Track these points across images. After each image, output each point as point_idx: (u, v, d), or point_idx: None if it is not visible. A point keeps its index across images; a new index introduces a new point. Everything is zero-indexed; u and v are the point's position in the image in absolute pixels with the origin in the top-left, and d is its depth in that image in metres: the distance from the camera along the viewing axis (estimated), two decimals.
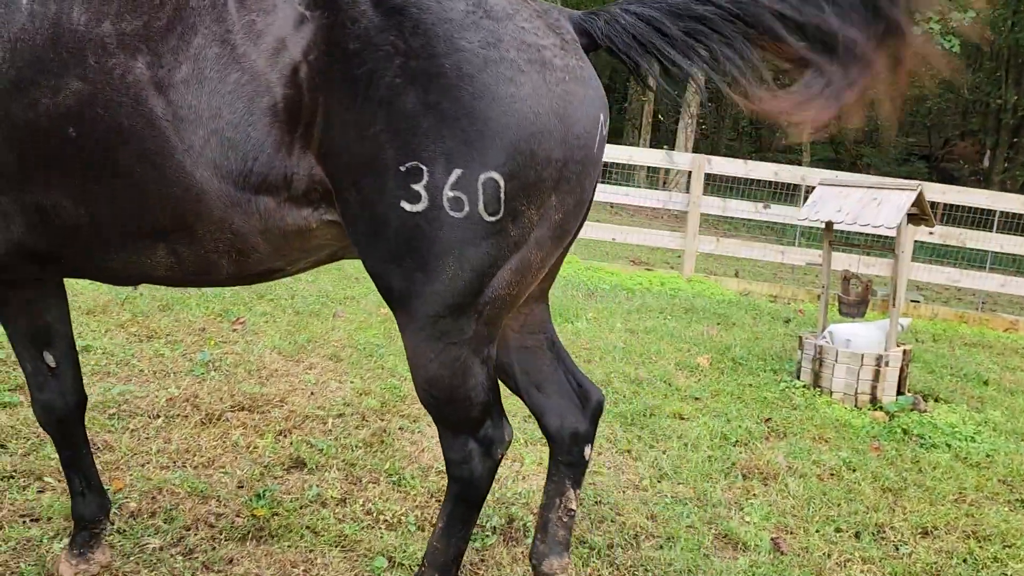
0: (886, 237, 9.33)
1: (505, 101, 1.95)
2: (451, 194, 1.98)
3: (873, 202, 5.80)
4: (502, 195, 2.00)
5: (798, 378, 6.09)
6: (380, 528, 3.34)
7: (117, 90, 2.07)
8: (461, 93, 1.94)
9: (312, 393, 4.78)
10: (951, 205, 12.47)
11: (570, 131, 2.04)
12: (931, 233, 9.52)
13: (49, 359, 2.70)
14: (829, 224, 6.25)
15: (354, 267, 7.83)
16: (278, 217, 2.18)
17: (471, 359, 2.17)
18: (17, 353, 2.69)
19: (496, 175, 1.98)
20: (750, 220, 15.66)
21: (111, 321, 5.46)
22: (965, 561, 3.58)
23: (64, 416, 2.74)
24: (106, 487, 3.20)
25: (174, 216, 2.15)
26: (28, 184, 2.18)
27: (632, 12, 2.22)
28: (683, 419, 5.05)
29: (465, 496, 2.35)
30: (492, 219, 2.01)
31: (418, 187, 1.98)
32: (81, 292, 5.97)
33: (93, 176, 2.14)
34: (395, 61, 1.97)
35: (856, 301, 6.28)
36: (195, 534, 3.16)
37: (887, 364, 5.71)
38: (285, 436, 4.17)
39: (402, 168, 1.98)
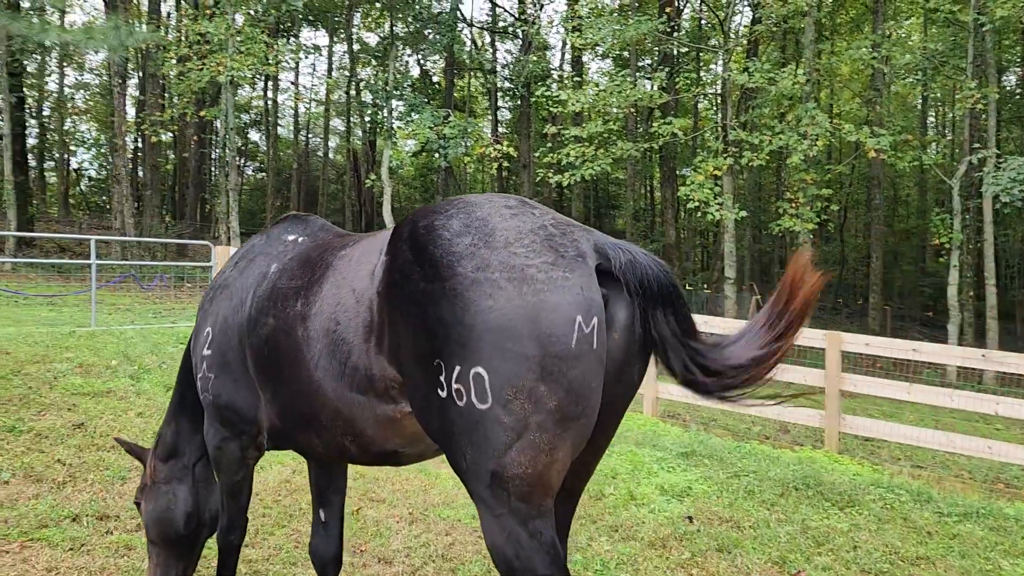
0: None
1: (484, 311, 2.45)
2: (456, 386, 2.48)
3: None
4: (487, 386, 2.43)
5: None
6: None
7: (285, 322, 3.15)
8: (455, 306, 2.49)
9: None
10: None
11: (541, 330, 2.42)
12: None
13: (322, 515, 3.91)
14: None
15: None
16: (371, 408, 2.92)
17: (518, 530, 2.51)
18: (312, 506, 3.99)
19: (481, 369, 2.43)
20: None
21: (672, 559, 5.44)
22: None
23: (323, 560, 3.91)
24: None
25: (311, 408, 3.11)
26: (263, 384, 3.33)
27: (654, 266, 2.63)
28: None
29: None
30: (484, 407, 2.44)
31: (442, 378, 2.51)
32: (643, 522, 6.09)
33: (280, 382, 3.20)
34: (420, 285, 2.60)
35: None
36: None
37: None
38: None
39: (434, 363, 2.53)
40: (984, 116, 19.27)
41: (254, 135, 45.73)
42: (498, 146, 20.99)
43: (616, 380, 2.64)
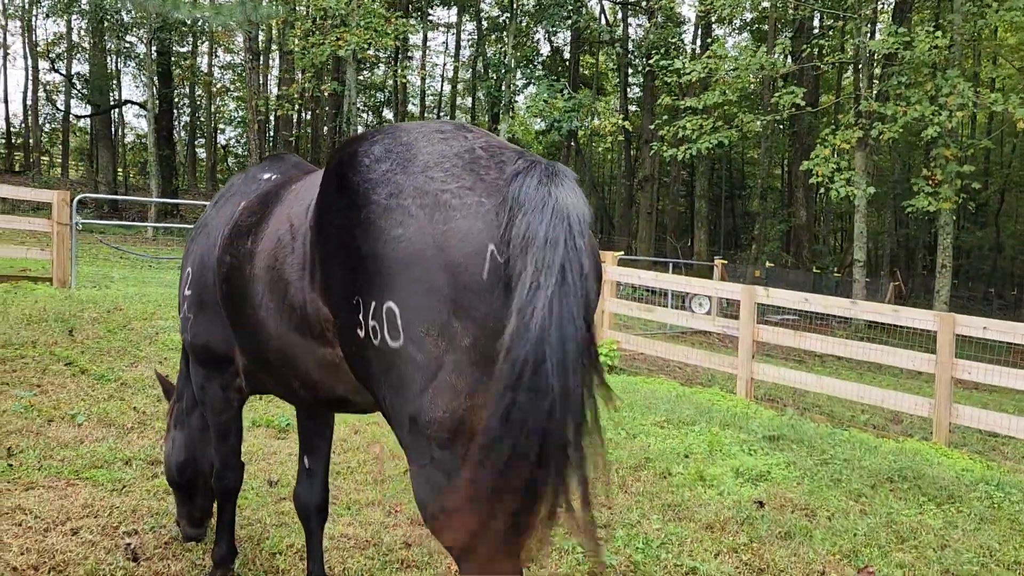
0: None
1: (394, 241, 2.27)
2: (372, 323, 2.32)
3: None
4: (399, 322, 2.25)
5: None
6: None
7: (236, 259, 3.11)
8: (369, 237, 2.32)
9: None
10: None
11: (450, 260, 2.21)
12: None
13: (306, 462, 3.78)
14: None
15: None
16: (312, 349, 2.77)
17: (443, 483, 2.30)
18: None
19: (393, 304, 2.27)
20: None
21: (725, 543, 5.21)
22: None
23: (307, 509, 3.77)
24: None
25: (260, 348, 3.06)
26: (232, 325, 3.25)
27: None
28: None
29: None
30: (396, 344, 2.26)
31: (360, 316, 2.36)
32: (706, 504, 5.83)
33: (235, 322, 3.21)
34: (341, 216, 2.44)
35: None
36: None
37: None
38: None
39: (353, 301, 2.38)
40: None
41: (388, 113, 46.87)
42: (613, 120, 20.54)
43: None
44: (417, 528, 4.88)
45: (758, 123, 18.36)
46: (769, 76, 19.20)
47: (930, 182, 17.47)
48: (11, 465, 5.01)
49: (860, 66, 18.77)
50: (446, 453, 2.30)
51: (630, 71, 38.69)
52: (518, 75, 23.45)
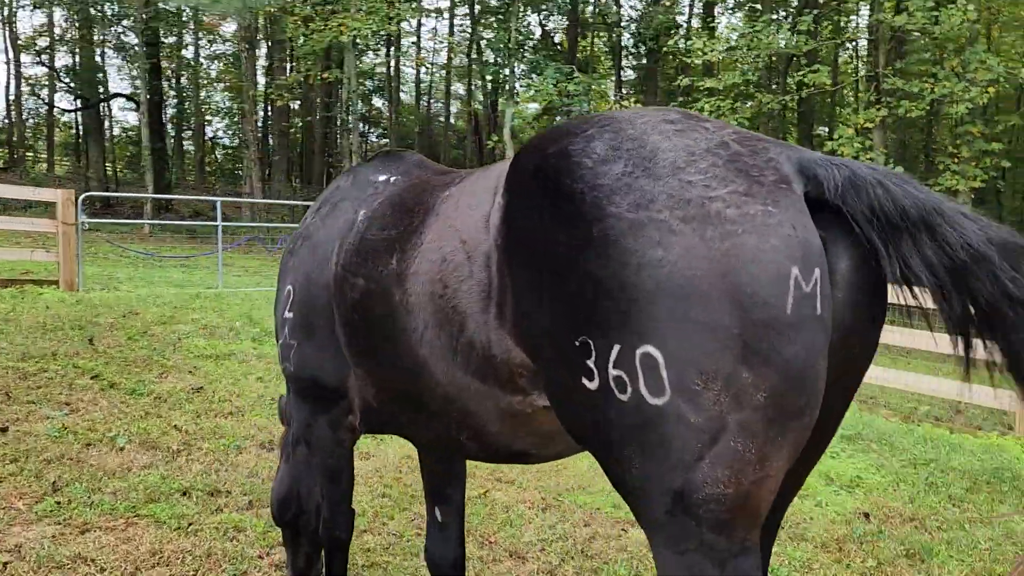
0: None
1: (653, 266, 1.75)
2: (615, 373, 1.82)
3: None
4: (664, 372, 1.74)
5: None
6: None
7: (378, 283, 2.54)
8: (610, 262, 1.81)
9: None
10: None
11: (740, 290, 1.71)
12: None
13: (437, 514, 3.31)
14: None
15: None
16: (491, 399, 2.28)
17: (711, 573, 1.81)
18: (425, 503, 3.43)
19: (653, 349, 1.75)
20: None
21: (854, 568, 4.71)
22: None
23: (440, 567, 3.32)
24: None
25: (414, 392, 2.50)
26: (354, 357, 2.76)
27: (894, 188, 1.83)
28: None
29: None
30: (659, 401, 1.75)
31: (591, 363, 1.86)
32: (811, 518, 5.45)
33: (372, 356, 2.65)
34: (555, 234, 1.93)
35: None
36: None
37: None
38: None
39: (576, 343, 1.88)
40: None
41: (377, 101, 46.05)
42: (624, 103, 19.98)
43: (841, 356, 1.86)
44: (518, 563, 4.37)
45: (776, 103, 17.89)
46: (787, 54, 18.68)
47: (954, 160, 17.04)
48: (59, 503, 4.45)
49: (878, 43, 18.29)
50: (721, 538, 1.79)
51: (623, 54, 38.12)
52: (519, 61, 22.79)
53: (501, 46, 24.13)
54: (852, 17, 27.55)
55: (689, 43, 17.24)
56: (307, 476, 3.48)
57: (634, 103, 20.49)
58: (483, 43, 31.79)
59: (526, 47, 24.30)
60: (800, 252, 1.72)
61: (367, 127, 45.12)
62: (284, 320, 3.06)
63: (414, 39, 42.56)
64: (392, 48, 36.96)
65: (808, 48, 17.38)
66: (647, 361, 1.76)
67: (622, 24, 33.09)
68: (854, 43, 23.88)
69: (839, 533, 5.15)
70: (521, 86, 24.58)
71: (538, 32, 37.48)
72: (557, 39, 38.51)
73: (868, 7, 26.27)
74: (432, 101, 48.81)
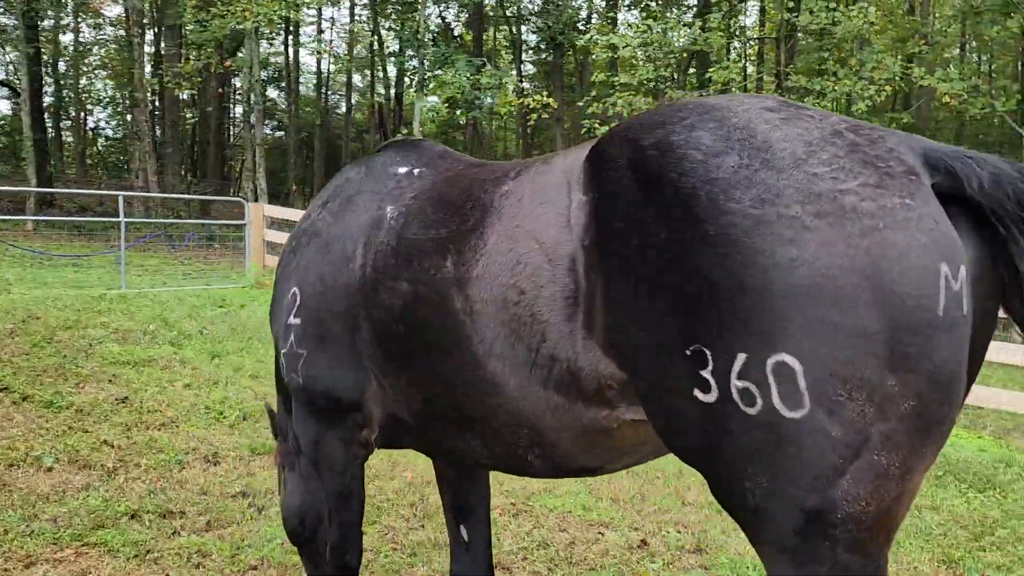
0: None
1: (786, 267, 1.62)
2: (739, 385, 1.68)
3: None
4: (802, 383, 1.61)
5: None
6: None
7: (430, 288, 2.31)
8: (732, 263, 1.67)
9: None
10: None
11: (889, 290, 1.59)
12: None
13: (463, 533, 3.10)
14: None
15: None
16: (571, 415, 2.11)
17: None
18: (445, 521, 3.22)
19: (789, 358, 1.62)
20: None
21: None
22: None
23: None
24: None
25: (477, 408, 2.28)
26: (390, 369, 2.52)
27: None
28: None
29: None
30: (796, 414, 1.62)
31: (706, 374, 1.72)
32: None
33: (419, 368, 2.40)
34: (660, 234, 1.79)
35: None
36: None
37: None
38: None
39: (688, 352, 1.75)
40: None
41: (271, 92, 44.57)
42: (537, 96, 19.96)
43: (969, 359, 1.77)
44: (508, 575, 4.20)
45: (686, 99, 18.15)
46: (698, 51, 19.06)
47: None
48: None
49: (780, 41, 18.91)
50: (856, 558, 1.68)
51: (524, 48, 38.21)
52: (427, 52, 22.41)
53: (408, 37, 23.69)
54: (741, 17, 28.47)
55: (606, 38, 17.34)
56: (320, 490, 3.25)
57: (546, 96, 20.52)
58: (387, 34, 31.22)
59: (427, 39, 23.90)
60: (947, 248, 1.63)
61: (263, 118, 43.62)
62: (288, 327, 2.79)
63: (313, 27, 41.41)
64: (291, 37, 35.85)
65: (719, 45, 17.82)
66: (782, 371, 1.63)
67: (524, 17, 33.10)
68: (753, 41, 24.59)
69: None
70: (430, 78, 24.22)
71: (438, 23, 37.08)
72: (457, 31, 38.22)
73: (758, 7, 27.23)
74: (329, 93, 47.63)
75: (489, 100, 21.53)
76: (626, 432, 2.12)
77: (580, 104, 20.97)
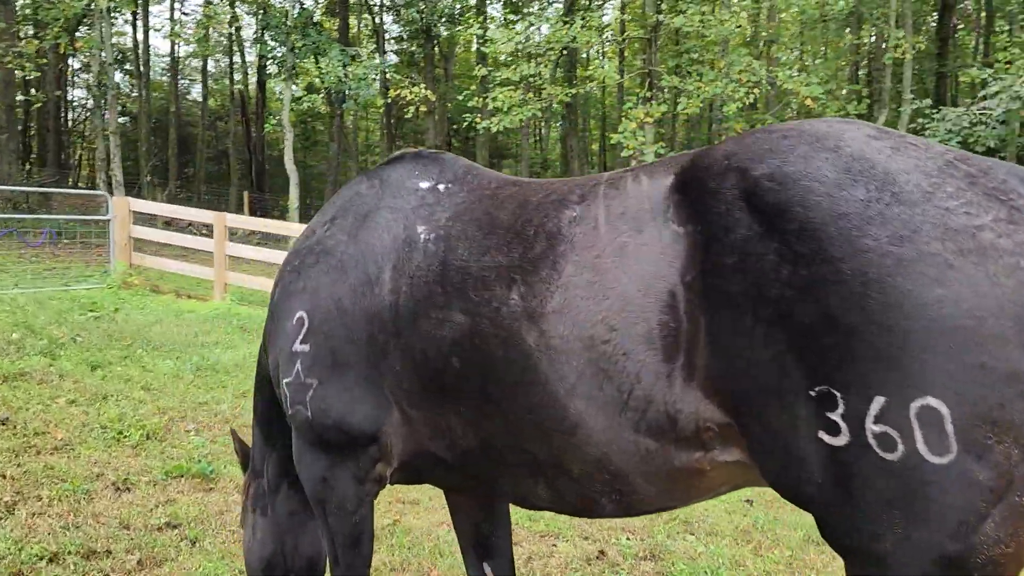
0: None
1: (932, 307, 1.58)
2: (876, 429, 1.61)
3: None
4: (950, 428, 1.56)
5: None
6: None
7: (493, 322, 2.14)
8: (870, 303, 1.62)
9: None
10: None
11: None
12: None
13: (488, 571, 2.91)
14: None
15: None
16: (661, 458, 1.99)
17: None
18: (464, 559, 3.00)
19: (935, 402, 1.57)
20: None
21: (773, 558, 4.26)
22: None
23: None
24: None
25: (549, 451, 2.13)
26: (429, 403, 2.33)
27: None
28: None
29: None
30: (942, 460, 1.57)
31: (835, 416, 1.66)
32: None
33: (475, 405, 2.21)
34: (782, 272, 1.72)
35: None
36: None
37: None
38: None
39: (812, 393, 1.68)
40: (898, 68, 19.57)
41: (117, 76, 41.65)
42: (415, 89, 19.58)
43: None
44: None
45: (565, 96, 18.44)
46: (582, 46, 19.27)
47: None
48: None
49: (652, 41, 19.43)
50: None
51: (387, 39, 37.57)
52: (297, 38, 21.48)
53: (276, 23, 22.68)
54: (603, 15, 29.12)
55: (486, 34, 17.25)
56: (292, 527, 2.98)
57: (423, 88, 20.17)
58: (245, 18, 29.85)
59: (295, 25, 22.97)
60: None
61: (105, 103, 40.75)
62: (294, 355, 2.52)
63: (162, 5, 39.02)
64: (139, 19, 33.62)
65: (598, 42, 18.16)
66: (927, 415, 1.58)
67: (394, 6, 32.51)
68: (616, 41, 25.17)
69: (743, 524, 5.30)
70: (297, 67, 23.28)
71: (300, 10, 35.81)
72: (316, 19, 37.05)
73: (619, 5, 27.88)
74: (178, 79, 45.07)
75: (369, 92, 20.98)
76: (716, 474, 2.02)
77: (460, 97, 20.78)
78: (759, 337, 1.74)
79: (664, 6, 17.91)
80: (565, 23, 17.29)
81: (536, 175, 39.19)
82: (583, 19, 17.62)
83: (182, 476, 5.29)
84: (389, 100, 20.44)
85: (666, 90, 18.46)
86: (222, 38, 37.60)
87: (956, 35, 28.02)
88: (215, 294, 12.58)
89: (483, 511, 2.91)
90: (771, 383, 1.74)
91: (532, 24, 17.25)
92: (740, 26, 16.65)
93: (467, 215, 2.37)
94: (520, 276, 2.13)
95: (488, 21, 17.67)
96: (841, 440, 1.66)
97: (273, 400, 2.95)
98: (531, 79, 18.04)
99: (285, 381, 2.56)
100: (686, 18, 16.65)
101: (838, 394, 1.64)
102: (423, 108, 20.22)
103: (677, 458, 1.98)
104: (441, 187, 2.54)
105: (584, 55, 19.90)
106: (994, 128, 14.83)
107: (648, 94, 18.85)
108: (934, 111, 16.27)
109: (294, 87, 24.47)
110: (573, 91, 18.66)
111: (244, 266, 15.26)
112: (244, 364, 8.43)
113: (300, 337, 2.51)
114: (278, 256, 14.58)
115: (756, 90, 16.90)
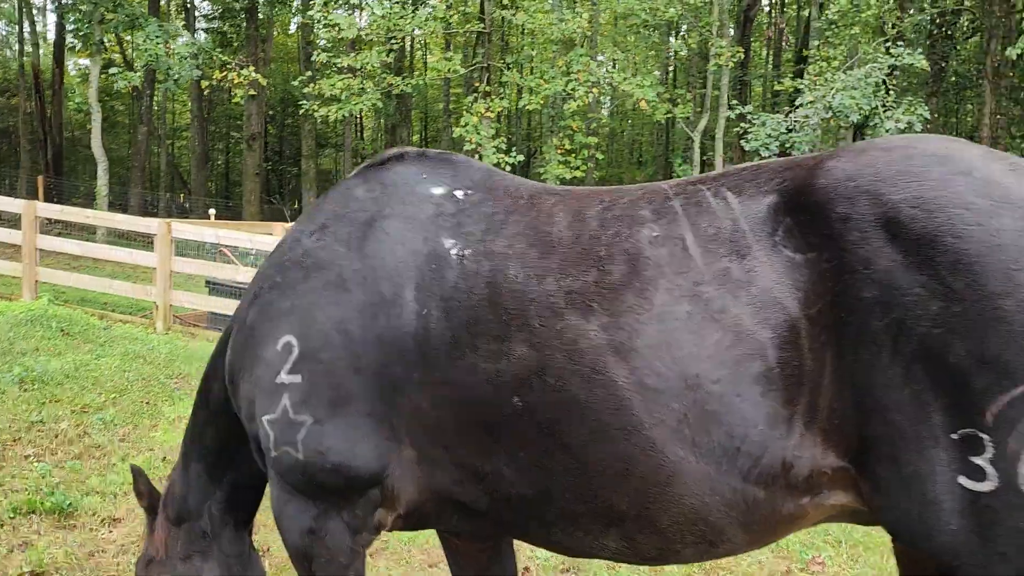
0: None
1: None
2: None
3: None
4: None
5: None
6: None
7: (569, 357, 1.88)
8: None
9: None
10: None
11: None
12: None
13: None
14: None
15: None
16: (767, 508, 1.83)
17: None
18: None
19: None
20: None
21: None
22: None
23: None
24: None
25: (634, 501, 1.89)
26: (466, 445, 2.04)
27: None
28: None
29: None
30: None
31: (979, 461, 1.59)
32: None
33: (541, 450, 1.95)
34: (931, 307, 1.61)
35: None
36: None
37: None
38: None
39: (954, 436, 1.60)
40: (718, 75, 20.80)
41: None
42: (244, 71, 18.39)
43: None
44: None
45: (406, 87, 18.01)
46: (426, 35, 18.89)
47: (558, 151, 18.93)
48: None
49: (491, 36, 19.44)
50: None
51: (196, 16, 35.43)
52: (115, 9, 19.56)
53: None
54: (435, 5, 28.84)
55: (328, 17, 16.50)
56: (244, 571, 2.62)
57: (252, 71, 19.00)
58: None
59: None
60: None
61: None
62: (279, 387, 2.15)
63: None
64: None
65: (444, 31, 17.90)
66: None
67: None
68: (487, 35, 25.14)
69: None
70: (103, 41, 21.25)
71: None
72: None
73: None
74: None
75: (192, 72, 19.41)
76: (816, 515, 1.90)
77: (295, 83, 19.81)
78: (896, 376, 1.64)
79: (505, 1, 17.94)
80: (408, 8, 16.92)
81: (356, 164, 38.24)
82: (425, 6, 17.32)
83: (34, 512, 4.56)
84: (214, 82, 19.09)
85: (507, 86, 18.52)
86: (4, 4, 33.77)
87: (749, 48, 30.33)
88: (24, 292, 11.18)
89: (492, 555, 2.64)
90: (906, 425, 1.64)
91: (371, 9, 16.71)
92: (581, 28, 16.96)
93: (508, 228, 2.09)
94: (599, 304, 1.90)
95: (327, 5, 16.89)
96: (986, 486, 1.58)
97: (229, 433, 2.56)
98: (370, 67, 17.48)
99: (266, 418, 2.18)
100: (528, 16, 16.73)
101: (986, 437, 1.57)
102: (252, 92, 19.10)
103: (784, 506, 1.83)
104: (459, 194, 2.24)
105: (410, 47, 19.60)
106: (807, 135, 16.05)
107: (488, 88, 18.83)
108: (755, 117, 17.39)
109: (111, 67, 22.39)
110: (414, 81, 18.30)
111: (49, 260, 13.74)
112: (77, 374, 7.51)
113: (288, 366, 2.14)
114: (102, 251, 13.25)
115: (595, 89, 17.29)
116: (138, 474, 2.85)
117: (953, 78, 24.44)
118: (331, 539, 2.23)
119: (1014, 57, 16.10)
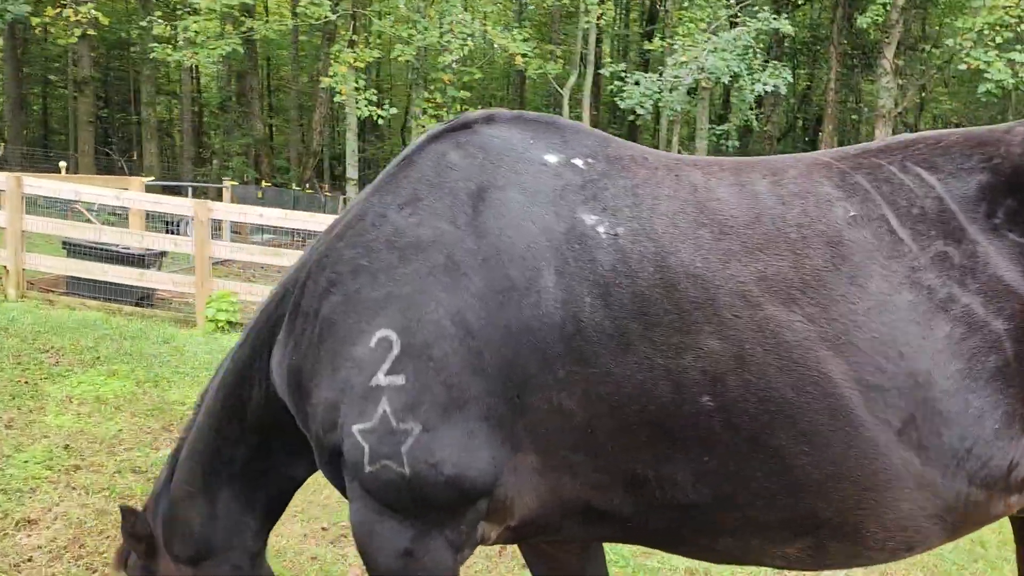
0: None
1: None
2: None
3: None
4: None
5: None
6: None
7: (772, 351, 1.67)
8: None
9: None
10: None
11: None
12: None
13: None
14: None
15: None
16: (983, 510, 1.71)
17: None
18: None
19: None
20: None
21: None
22: None
23: None
24: None
25: (841, 508, 1.70)
26: (624, 447, 1.79)
27: None
28: None
29: None
30: None
31: None
32: None
33: (733, 453, 1.72)
34: None
35: None
36: None
37: None
38: None
39: None
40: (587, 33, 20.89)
41: None
42: (82, 8, 16.50)
43: None
44: None
45: (270, 31, 16.82)
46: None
47: (429, 103, 18.43)
48: None
49: None
50: None
51: None
52: None
53: None
54: None
55: None
56: None
57: (91, 8, 17.10)
58: None
59: None
60: None
61: None
62: (376, 391, 1.81)
63: None
64: None
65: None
66: None
67: None
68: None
69: None
70: None
71: None
72: None
73: None
74: None
75: (21, 9, 17.17)
76: (1010, 513, 1.81)
77: (144, 24, 18.08)
78: None
79: None
80: None
81: (196, 115, 35.89)
82: None
83: None
84: (47, 21, 17.08)
85: (373, 34, 17.74)
86: None
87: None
88: None
89: (585, 558, 2.39)
90: None
91: None
92: None
93: (662, 205, 1.82)
94: (801, 292, 1.68)
95: None
96: None
97: (261, 452, 2.21)
98: (225, 7, 16.20)
99: (357, 428, 1.83)
100: None
101: None
102: (90, 31, 17.27)
103: (996, 507, 1.72)
104: (579, 162, 1.94)
105: None
106: (680, 95, 16.42)
107: (354, 37, 17.99)
108: (628, 76, 17.57)
109: None
110: (277, 27, 17.17)
111: None
112: None
113: (386, 366, 1.80)
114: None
115: (469, 42, 16.88)
116: (132, 514, 2.36)
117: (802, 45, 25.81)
118: (431, 559, 1.93)
119: (865, 26, 17.08)
